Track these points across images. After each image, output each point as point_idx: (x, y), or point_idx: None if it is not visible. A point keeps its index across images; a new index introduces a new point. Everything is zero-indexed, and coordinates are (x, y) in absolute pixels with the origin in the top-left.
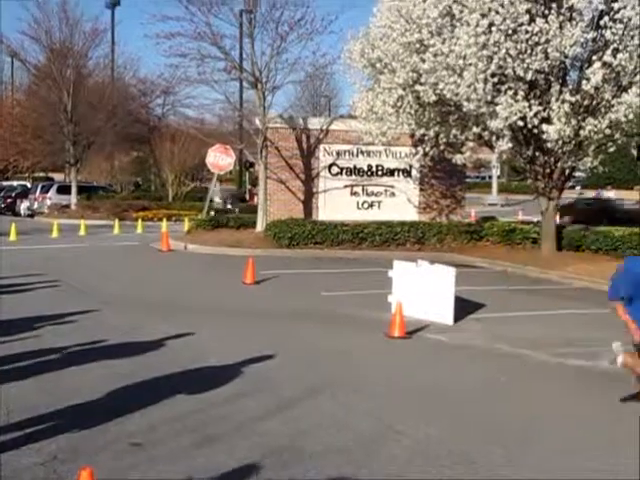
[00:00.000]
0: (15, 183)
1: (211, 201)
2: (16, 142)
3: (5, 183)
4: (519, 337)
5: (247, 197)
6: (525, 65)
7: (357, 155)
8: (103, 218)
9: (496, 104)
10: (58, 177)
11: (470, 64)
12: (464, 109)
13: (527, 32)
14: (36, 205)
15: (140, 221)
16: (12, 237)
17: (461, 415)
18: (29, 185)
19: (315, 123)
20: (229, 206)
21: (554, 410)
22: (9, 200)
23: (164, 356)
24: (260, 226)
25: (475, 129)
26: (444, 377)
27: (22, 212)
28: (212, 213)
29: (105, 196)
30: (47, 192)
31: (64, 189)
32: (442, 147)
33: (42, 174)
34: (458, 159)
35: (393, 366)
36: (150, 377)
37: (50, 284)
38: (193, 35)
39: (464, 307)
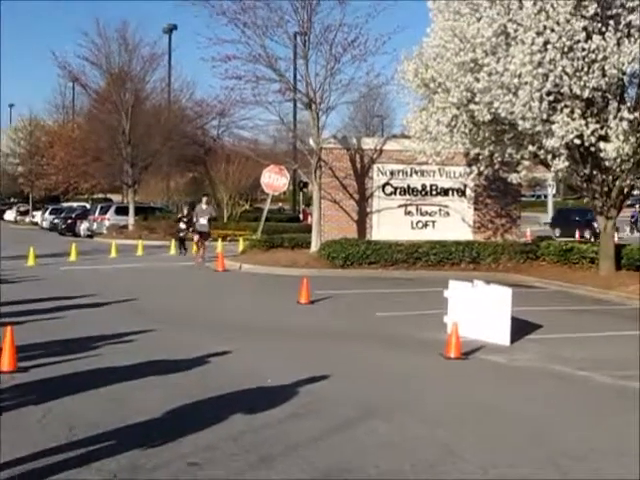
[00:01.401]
0: (75, 204)
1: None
2: (76, 164)
3: (65, 204)
4: (579, 358)
5: (301, 217)
6: (582, 83)
7: (411, 175)
8: (159, 238)
9: (552, 122)
10: (116, 198)
11: (525, 82)
12: (519, 128)
13: (584, 49)
14: (95, 226)
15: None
16: (72, 257)
17: (521, 439)
18: (88, 206)
19: (369, 143)
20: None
21: (616, 436)
22: (69, 221)
23: (221, 375)
24: (314, 246)
25: (531, 148)
26: (502, 399)
27: (82, 233)
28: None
29: (161, 217)
30: (106, 213)
31: (122, 210)
32: (497, 166)
33: (101, 195)
34: (513, 178)
35: (450, 388)
36: (207, 396)
37: (109, 304)
38: (248, 58)
39: (521, 327)
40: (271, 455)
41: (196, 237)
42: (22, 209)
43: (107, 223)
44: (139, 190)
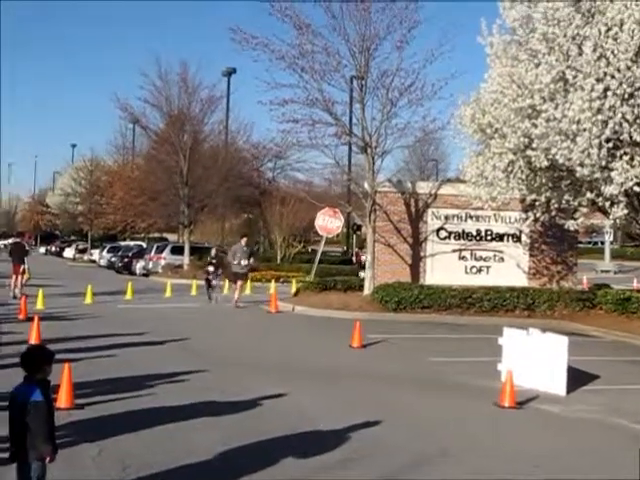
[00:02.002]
0: (132, 243)
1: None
2: (134, 204)
3: (123, 243)
4: (636, 411)
5: (354, 260)
6: None
7: (466, 219)
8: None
9: (611, 169)
10: (172, 238)
11: (584, 129)
12: (577, 174)
13: None
14: (151, 265)
15: (249, 282)
16: (129, 296)
17: None
18: (145, 245)
19: (423, 187)
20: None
21: None
22: (126, 260)
23: (272, 418)
24: (367, 289)
25: (589, 195)
26: (558, 451)
27: (137, 271)
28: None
29: None
30: (162, 252)
31: (177, 250)
32: (553, 212)
33: (157, 235)
34: (570, 225)
35: (504, 437)
36: (259, 439)
37: (164, 342)
38: (305, 102)
39: (577, 378)
40: None
41: (239, 283)
42: (81, 247)
43: (163, 262)
44: (195, 230)
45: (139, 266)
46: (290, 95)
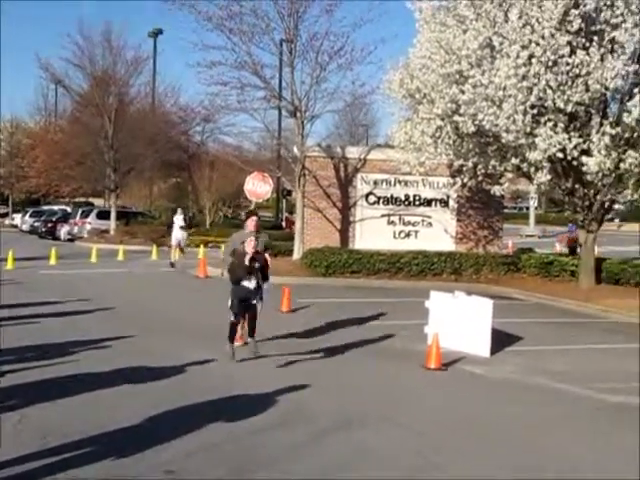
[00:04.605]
0: (56, 208)
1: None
2: (58, 168)
3: (46, 208)
4: (557, 371)
5: (284, 225)
6: (565, 97)
7: (394, 185)
8: (141, 243)
9: (535, 136)
10: (98, 202)
11: (510, 95)
12: (503, 140)
13: (568, 64)
14: (76, 230)
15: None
16: (52, 261)
17: (499, 451)
18: (69, 210)
19: (353, 152)
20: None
21: (594, 447)
22: (50, 224)
23: (198, 383)
24: (297, 254)
25: (514, 160)
26: (481, 411)
27: (62, 236)
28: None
29: (143, 222)
30: (87, 217)
31: (104, 214)
32: (480, 178)
33: (83, 199)
34: (496, 190)
35: (429, 399)
36: (185, 404)
37: (87, 309)
38: (234, 64)
39: (501, 339)
40: (250, 465)
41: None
42: (1, 211)
43: (88, 227)
44: (121, 194)
45: (64, 231)
46: (218, 57)
